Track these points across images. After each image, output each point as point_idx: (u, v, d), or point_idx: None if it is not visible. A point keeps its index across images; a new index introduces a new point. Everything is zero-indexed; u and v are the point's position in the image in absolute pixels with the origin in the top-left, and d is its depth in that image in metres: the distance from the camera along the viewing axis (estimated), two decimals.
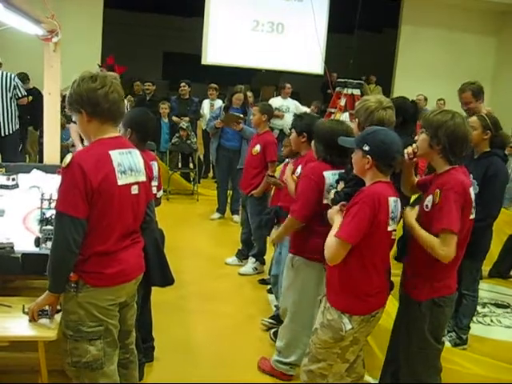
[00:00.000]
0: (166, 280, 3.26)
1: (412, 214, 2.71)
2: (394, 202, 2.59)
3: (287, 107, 9.51)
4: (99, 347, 2.43)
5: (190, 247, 6.15)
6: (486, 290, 5.35)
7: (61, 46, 4.52)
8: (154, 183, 3.58)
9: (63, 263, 2.33)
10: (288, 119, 8.32)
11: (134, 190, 2.47)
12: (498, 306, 5.26)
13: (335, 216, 2.70)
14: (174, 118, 8.70)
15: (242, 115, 6.74)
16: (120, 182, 2.38)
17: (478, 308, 4.77)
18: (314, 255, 3.30)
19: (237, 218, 7.01)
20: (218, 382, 3.48)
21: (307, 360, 2.82)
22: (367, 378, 3.48)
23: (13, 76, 6.70)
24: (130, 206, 2.47)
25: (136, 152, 2.56)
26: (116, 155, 2.40)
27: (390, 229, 2.59)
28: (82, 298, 2.38)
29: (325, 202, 3.26)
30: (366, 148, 2.56)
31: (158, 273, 3.13)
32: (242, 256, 5.76)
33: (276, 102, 9.43)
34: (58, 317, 2.61)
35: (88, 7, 11.34)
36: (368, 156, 2.56)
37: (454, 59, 12.79)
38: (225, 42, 12.28)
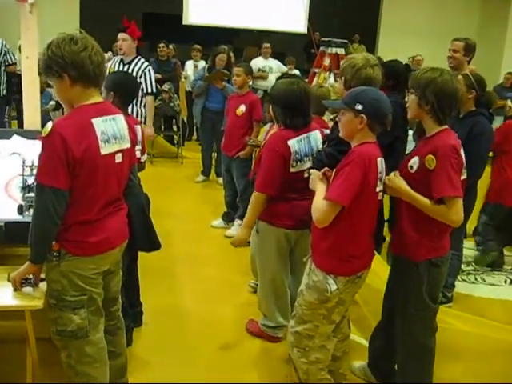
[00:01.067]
0: (153, 244, 3.23)
1: (401, 179, 2.68)
2: (380, 162, 2.58)
3: (270, 67, 9.40)
4: (83, 316, 2.42)
5: (175, 210, 6.13)
6: (470, 248, 5.40)
7: (37, 7, 4.37)
8: (138, 147, 3.53)
9: (45, 234, 2.29)
10: (271, 79, 8.22)
11: (118, 158, 2.41)
12: None
13: (318, 182, 2.68)
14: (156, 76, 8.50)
15: (228, 73, 6.65)
16: (103, 152, 2.31)
17: (463, 266, 4.83)
18: (277, 220, 3.28)
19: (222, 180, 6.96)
20: (206, 346, 3.51)
21: (293, 321, 2.83)
22: (360, 340, 3.53)
23: (4, 42, 6.53)
24: (114, 174, 2.42)
25: (120, 117, 2.48)
26: (99, 123, 2.31)
27: (377, 189, 2.59)
28: (65, 267, 2.36)
29: (292, 170, 3.22)
30: (359, 107, 2.51)
31: (144, 237, 3.10)
32: (228, 218, 5.75)
33: (258, 62, 9.32)
34: (43, 285, 2.58)
35: None
36: (362, 115, 2.51)
37: (439, 18, 12.70)
38: (206, 1, 12.03)
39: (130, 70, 5.44)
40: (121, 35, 5.55)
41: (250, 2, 12.16)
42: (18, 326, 2.73)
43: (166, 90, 8.33)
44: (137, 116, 5.48)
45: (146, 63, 5.67)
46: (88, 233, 2.36)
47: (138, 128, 3.61)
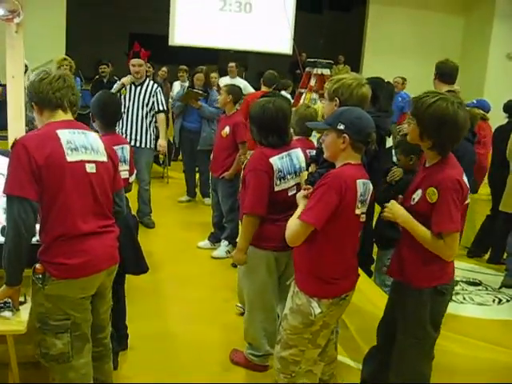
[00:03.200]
0: (140, 268, 3.20)
1: (400, 207, 2.61)
2: (363, 184, 2.54)
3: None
4: (65, 341, 2.38)
5: (161, 231, 6.08)
6: (457, 267, 5.38)
7: (23, 27, 4.35)
8: (126, 167, 3.50)
9: (15, 250, 2.25)
10: None
11: (91, 168, 2.40)
12: (469, 283, 5.33)
13: (301, 200, 2.66)
14: None
15: (201, 92, 6.72)
16: (70, 159, 2.32)
17: None
18: (265, 243, 3.22)
19: (208, 200, 6.89)
20: (193, 370, 3.45)
21: (279, 347, 2.77)
22: (347, 361, 3.49)
23: None
24: (87, 184, 2.39)
25: (92, 134, 2.51)
26: (65, 133, 2.36)
27: (357, 212, 2.54)
28: (49, 290, 2.33)
29: (276, 189, 3.18)
30: (341, 127, 2.50)
31: (132, 261, 3.06)
32: (215, 239, 5.70)
33: (224, 81, 9.29)
34: (23, 308, 2.55)
35: None
36: (344, 135, 2.50)
37: (422, 38, 12.84)
38: (192, 22, 12.07)
39: (142, 91, 5.92)
40: (136, 61, 5.90)
41: (235, 22, 12.22)
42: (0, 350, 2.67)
43: None
44: (152, 132, 6.01)
45: (156, 84, 6.14)
46: (69, 254, 2.32)
47: (126, 147, 3.58)
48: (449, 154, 2.58)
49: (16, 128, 4.69)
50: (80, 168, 2.36)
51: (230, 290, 4.40)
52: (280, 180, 3.19)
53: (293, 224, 2.55)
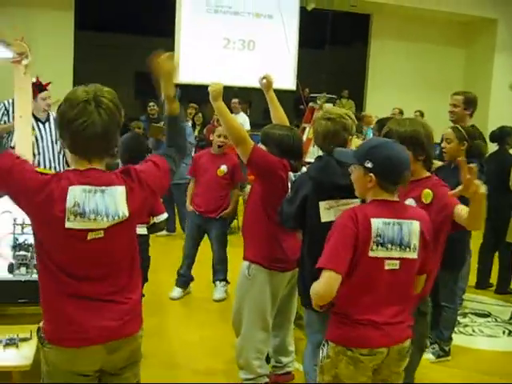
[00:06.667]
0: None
1: None
2: (383, 224, 2.24)
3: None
4: None
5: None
6: (466, 299, 5.36)
7: (31, 68, 4.46)
8: None
9: None
10: None
11: (96, 234, 2.02)
12: (478, 315, 5.28)
13: None
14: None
15: (162, 126, 6.67)
16: (69, 225, 1.98)
17: (459, 318, 4.78)
18: (273, 263, 3.28)
19: None
20: None
21: None
22: None
23: None
24: (85, 251, 2.04)
25: (111, 191, 2.05)
26: (76, 192, 2.00)
27: (372, 254, 2.23)
28: (46, 353, 2.09)
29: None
30: (369, 165, 2.27)
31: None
32: (186, 284, 5.39)
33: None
34: (29, 345, 2.57)
35: (58, 29, 11.26)
36: (371, 174, 2.28)
37: (425, 72, 12.99)
38: (196, 60, 12.28)
39: (52, 127, 5.52)
40: (46, 93, 5.55)
41: (239, 60, 12.42)
42: None
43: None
44: None
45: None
46: (56, 317, 2.07)
47: None
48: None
49: None
50: (80, 235, 2.01)
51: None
52: None
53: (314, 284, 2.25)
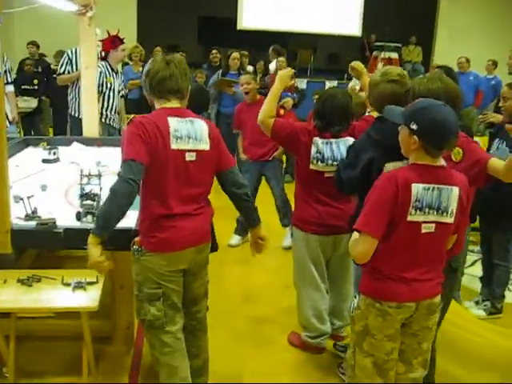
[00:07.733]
0: (213, 247, 3.18)
1: None
2: (423, 189, 2.23)
3: None
4: (159, 307, 2.59)
5: None
6: None
7: (95, 20, 4.58)
8: None
9: (117, 196, 2.35)
10: None
11: (190, 156, 2.56)
12: None
13: None
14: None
15: (234, 79, 6.72)
16: (173, 146, 2.50)
17: None
18: (306, 225, 3.38)
19: None
20: None
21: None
22: None
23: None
24: (185, 171, 2.55)
25: (198, 122, 2.63)
26: (174, 121, 2.53)
27: (410, 218, 2.24)
28: (143, 261, 2.57)
29: (311, 167, 3.26)
30: (414, 126, 2.22)
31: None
32: (244, 232, 5.38)
33: (272, 66, 9.16)
34: (96, 288, 2.80)
35: None
36: (415, 136, 2.22)
37: (500, 20, 12.37)
38: (260, 5, 12.16)
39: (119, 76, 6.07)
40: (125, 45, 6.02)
41: (303, 5, 12.19)
42: (75, 324, 2.89)
43: None
44: None
45: None
46: (160, 230, 2.53)
47: None
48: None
49: (90, 113, 4.98)
50: (181, 156, 2.52)
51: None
52: (317, 161, 3.27)
53: (352, 239, 2.32)
